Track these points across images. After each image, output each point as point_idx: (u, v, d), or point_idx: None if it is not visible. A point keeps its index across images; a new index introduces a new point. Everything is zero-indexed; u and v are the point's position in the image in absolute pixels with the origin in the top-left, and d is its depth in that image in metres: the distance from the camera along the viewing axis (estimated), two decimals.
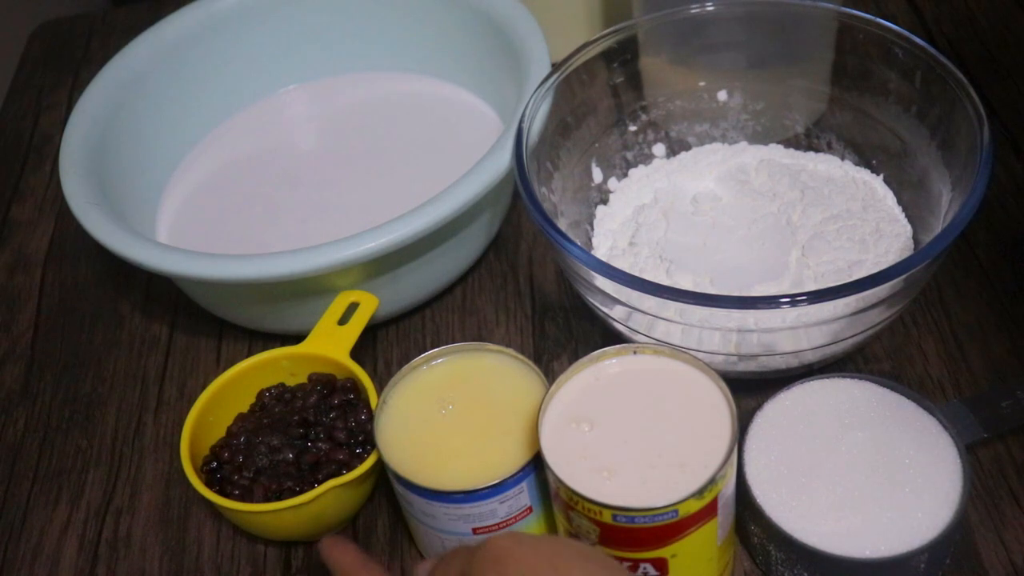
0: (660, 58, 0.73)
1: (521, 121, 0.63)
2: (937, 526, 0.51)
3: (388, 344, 0.71)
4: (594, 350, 0.53)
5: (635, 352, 0.53)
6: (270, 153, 0.82)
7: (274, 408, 0.61)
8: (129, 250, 0.64)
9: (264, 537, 0.61)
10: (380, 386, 0.60)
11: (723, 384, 0.51)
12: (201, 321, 0.74)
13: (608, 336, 0.65)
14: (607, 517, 0.48)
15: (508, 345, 0.61)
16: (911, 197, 0.68)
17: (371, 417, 0.59)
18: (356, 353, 0.62)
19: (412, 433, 0.55)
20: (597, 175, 0.72)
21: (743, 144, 0.74)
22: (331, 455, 0.58)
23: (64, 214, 0.85)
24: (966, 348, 0.64)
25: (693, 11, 0.69)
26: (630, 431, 0.51)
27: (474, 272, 0.74)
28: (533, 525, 0.55)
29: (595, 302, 0.61)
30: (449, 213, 0.62)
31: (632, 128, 0.74)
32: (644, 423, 0.51)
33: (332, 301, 0.64)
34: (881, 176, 0.70)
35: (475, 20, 0.77)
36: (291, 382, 0.63)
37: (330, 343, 0.62)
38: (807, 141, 0.74)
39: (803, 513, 0.53)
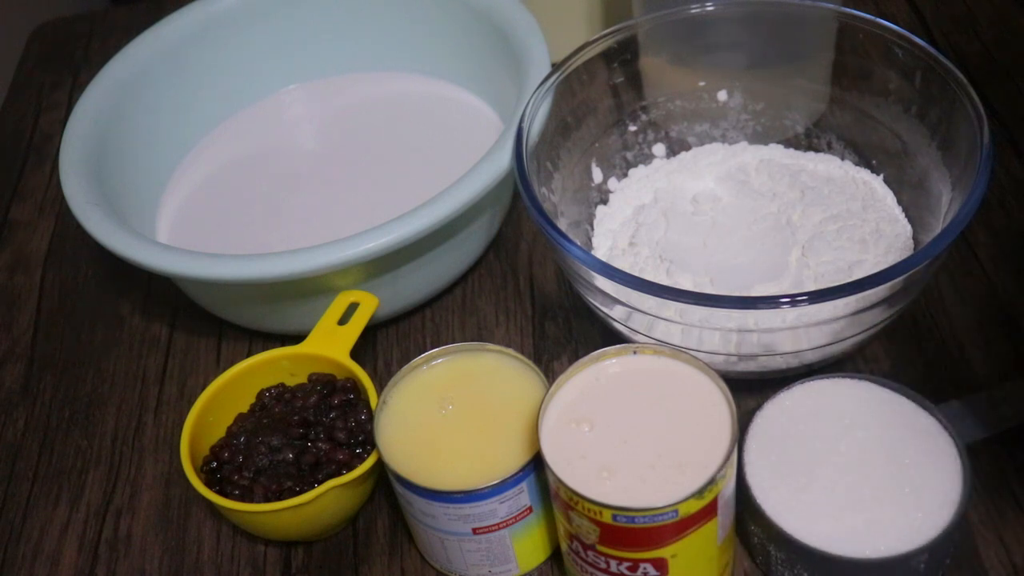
0: (660, 58, 0.73)
1: (521, 121, 0.63)
2: (937, 526, 0.51)
3: (388, 344, 0.71)
4: (594, 350, 0.53)
5: (635, 352, 0.53)
6: (270, 153, 0.82)
7: (274, 408, 0.61)
8: (129, 250, 0.64)
9: (264, 537, 0.61)
10: (380, 386, 0.60)
11: (723, 384, 0.51)
12: (201, 321, 0.74)
13: (608, 336, 0.65)
14: (607, 517, 0.48)
15: (508, 345, 0.61)
16: (911, 197, 0.68)
17: (371, 417, 0.59)
18: (356, 353, 0.62)
19: (412, 433, 0.55)
20: (597, 175, 0.72)
21: (743, 144, 0.74)
22: (331, 455, 0.58)
23: (64, 214, 0.85)
24: (966, 348, 0.64)
25: (693, 11, 0.69)
26: (630, 431, 0.51)
27: (474, 272, 0.74)
28: (533, 525, 0.55)
29: (595, 302, 0.61)
30: (449, 213, 0.62)
31: (632, 128, 0.74)
32: (644, 423, 0.51)
33: (332, 301, 0.64)
34: (881, 176, 0.70)
35: (475, 20, 0.77)
36: (291, 382, 0.63)
37: (330, 343, 0.62)
38: (807, 141, 0.74)
39: (803, 513, 0.53)
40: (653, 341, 0.59)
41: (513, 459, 0.53)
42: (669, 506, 0.47)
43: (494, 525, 0.54)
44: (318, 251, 0.61)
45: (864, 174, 0.70)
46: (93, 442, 0.69)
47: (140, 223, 0.73)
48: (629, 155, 0.74)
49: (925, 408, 0.56)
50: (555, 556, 0.58)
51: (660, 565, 0.50)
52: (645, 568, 0.50)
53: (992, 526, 0.56)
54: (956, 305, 0.67)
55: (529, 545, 0.56)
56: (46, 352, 0.75)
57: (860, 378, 0.58)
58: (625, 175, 0.73)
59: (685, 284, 0.64)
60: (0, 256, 0.83)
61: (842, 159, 0.72)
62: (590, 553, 0.51)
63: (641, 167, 0.74)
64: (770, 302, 0.53)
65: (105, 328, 0.76)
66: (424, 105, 0.83)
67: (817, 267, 0.64)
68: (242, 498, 0.57)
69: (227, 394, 0.62)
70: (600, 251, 0.69)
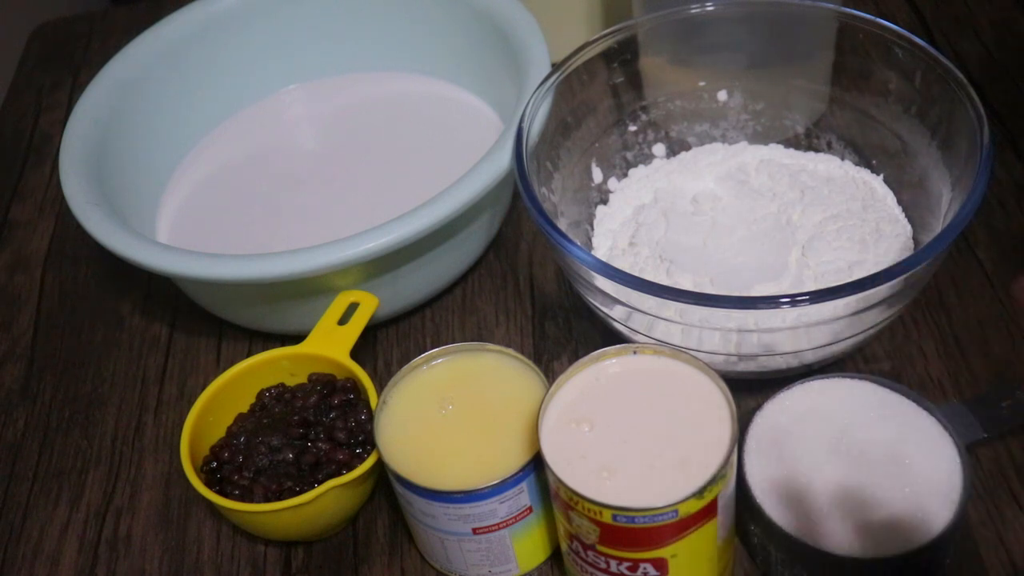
0: (660, 58, 0.73)
1: (521, 121, 0.63)
2: (937, 526, 0.51)
3: (388, 344, 0.71)
4: (594, 350, 0.53)
5: (635, 352, 0.53)
6: (270, 153, 0.82)
7: (274, 408, 0.61)
8: (129, 250, 0.64)
9: (264, 537, 0.61)
10: (380, 386, 0.60)
11: (723, 384, 0.51)
12: (201, 321, 0.74)
13: (608, 336, 0.65)
14: (607, 517, 0.48)
15: (508, 345, 0.61)
16: (911, 197, 0.68)
17: (371, 417, 0.59)
18: (356, 353, 0.62)
19: (412, 433, 0.55)
20: (597, 175, 0.72)
21: (743, 144, 0.74)
22: (331, 455, 0.58)
23: (64, 214, 0.85)
24: (966, 348, 0.64)
25: (693, 11, 0.69)
26: (630, 431, 0.51)
27: (474, 272, 0.74)
28: (533, 525, 0.55)
29: (595, 302, 0.61)
30: (449, 213, 0.62)
31: (632, 128, 0.74)
32: (644, 423, 0.51)
33: (332, 301, 0.64)
34: (881, 176, 0.70)
35: (475, 20, 0.77)
36: (291, 382, 0.63)
37: (330, 343, 0.62)
38: (807, 141, 0.74)
39: (803, 513, 0.53)
40: (653, 341, 0.59)
41: (513, 459, 0.53)
42: (669, 506, 0.47)
43: (494, 525, 0.54)
44: (318, 251, 0.61)
45: (864, 174, 0.70)
46: (93, 442, 0.69)
47: (140, 223, 0.73)
48: (629, 155, 0.74)
49: (925, 408, 0.56)
50: (555, 556, 0.58)
51: (660, 565, 0.50)
52: (645, 568, 0.50)
53: (992, 526, 0.56)
54: (956, 305, 0.67)
55: (529, 545, 0.56)
56: (46, 352, 0.75)
57: (860, 378, 0.58)
58: (625, 175, 0.73)
59: (685, 284, 0.64)
60: (0, 256, 0.83)
61: (842, 159, 0.72)
62: (590, 553, 0.51)
63: (641, 167, 0.74)
64: (770, 302, 0.53)
65: (105, 328, 0.76)
66: (424, 105, 0.83)
67: (817, 267, 0.64)
68: (242, 498, 0.57)
69: (227, 394, 0.62)
70: (600, 251, 0.69)
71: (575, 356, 0.66)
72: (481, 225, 0.69)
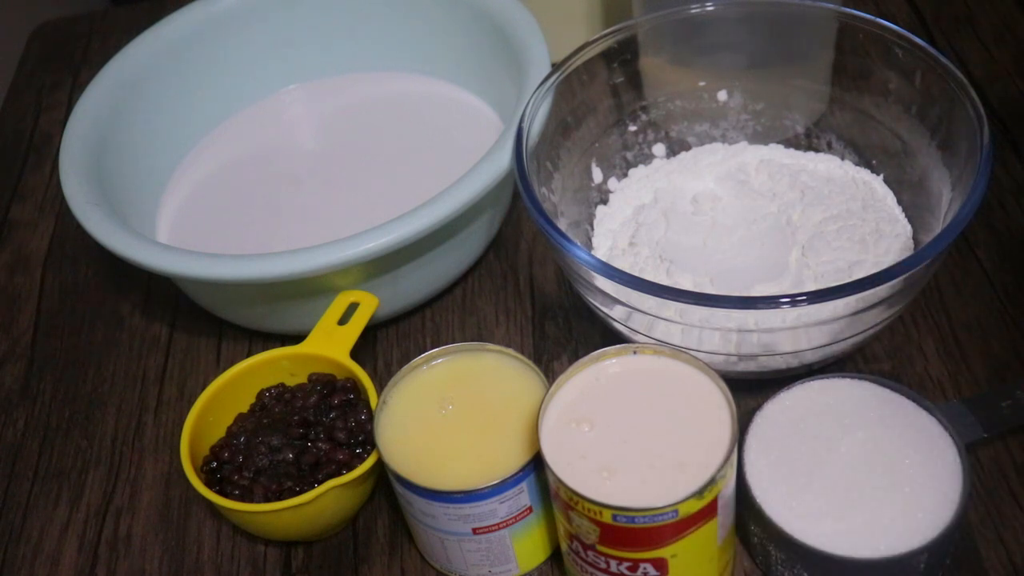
0: (660, 58, 0.73)
1: (521, 121, 0.63)
2: (937, 526, 0.51)
3: (388, 344, 0.71)
4: (594, 350, 0.53)
5: (635, 352, 0.53)
6: (270, 153, 0.82)
7: (274, 408, 0.61)
8: (129, 250, 0.64)
9: (264, 537, 0.61)
10: (380, 386, 0.60)
11: (723, 384, 0.51)
12: (201, 321, 0.74)
13: (608, 336, 0.65)
14: (607, 517, 0.48)
15: (508, 345, 0.61)
16: (911, 197, 0.68)
17: (371, 417, 0.59)
18: (356, 353, 0.62)
19: (412, 433, 0.55)
20: (597, 175, 0.72)
21: (743, 144, 0.74)
22: (331, 455, 0.58)
23: (64, 214, 0.85)
24: (966, 348, 0.64)
25: (693, 11, 0.69)
26: (630, 431, 0.51)
27: (474, 272, 0.74)
28: (533, 525, 0.55)
29: (595, 302, 0.61)
30: (449, 213, 0.62)
31: (632, 128, 0.74)
32: (644, 423, 0.51)
33: (332, 301, 0.64)
34: (881, 176, 0.70)
35: (475, 20, 0.77)
36: (291, 382, 0.63)
37: (330, 343, 0.62)
38: (807, 141, 0.74)
39: (803, 513, 0.53)
40: (653, 341, 0.59)
41: (513, 459, 0.53)
42: (669, 506, 0.47)
43: (494, 525, 0.54)
44: (318, 251, 0.61)
45: (864, 174, 0.70)
46: (93, 442, 0.69)
47: (140, 223, 0.73)
48: (629, 155, 0.74)
49: (925, 408, 0.56)
50: (555, 556, 0.58)
51: (660, 565, 0.50)
52: (645, 568, 0.50)
53: (992, 526, 0.56)
54: (956, 305, 0.67)
55: (529, 545, 0.56)
56: (46, 352, 0.75)
57: (860, 378, 0.58)
58: (625, 175, 0.73)
59: (685, 284, 0.64)
60: (0, 256, 0.83)
61: (842, 159, 0.72)
62: (590, 553, 0.51)
63: (641, 167, 0.74)
64: (770, 302, 0.53)
65: (105, 328, 0.76)
66: (424, 105, 0.83)
67: (817, 267, 0.64)
68: (242, 498, 0.57)
69: (227, 394, 0.62)
70: (600, 251, 0.69)
71: (575, 356, 0.66)
72: (481, 225, 0.69)
